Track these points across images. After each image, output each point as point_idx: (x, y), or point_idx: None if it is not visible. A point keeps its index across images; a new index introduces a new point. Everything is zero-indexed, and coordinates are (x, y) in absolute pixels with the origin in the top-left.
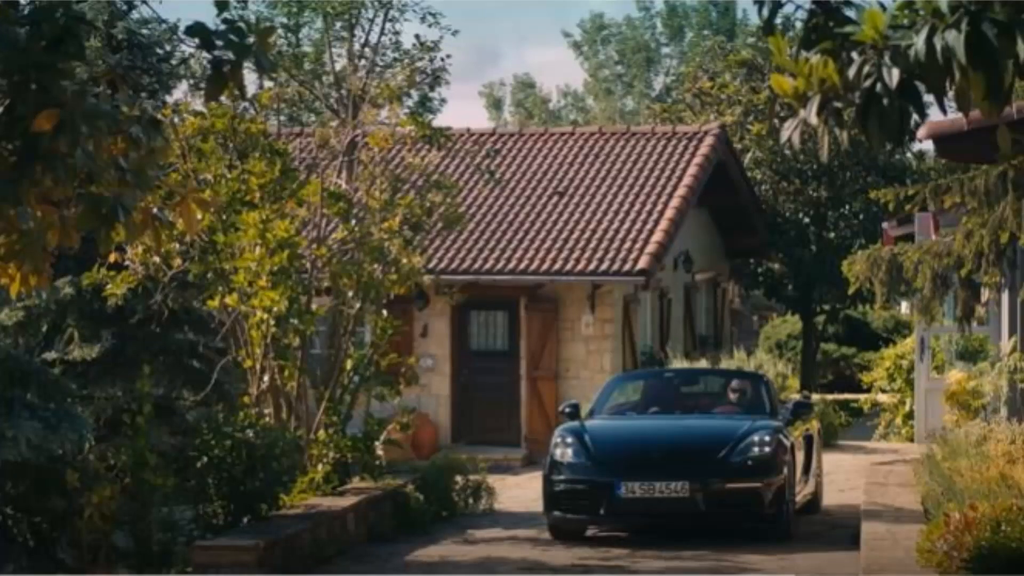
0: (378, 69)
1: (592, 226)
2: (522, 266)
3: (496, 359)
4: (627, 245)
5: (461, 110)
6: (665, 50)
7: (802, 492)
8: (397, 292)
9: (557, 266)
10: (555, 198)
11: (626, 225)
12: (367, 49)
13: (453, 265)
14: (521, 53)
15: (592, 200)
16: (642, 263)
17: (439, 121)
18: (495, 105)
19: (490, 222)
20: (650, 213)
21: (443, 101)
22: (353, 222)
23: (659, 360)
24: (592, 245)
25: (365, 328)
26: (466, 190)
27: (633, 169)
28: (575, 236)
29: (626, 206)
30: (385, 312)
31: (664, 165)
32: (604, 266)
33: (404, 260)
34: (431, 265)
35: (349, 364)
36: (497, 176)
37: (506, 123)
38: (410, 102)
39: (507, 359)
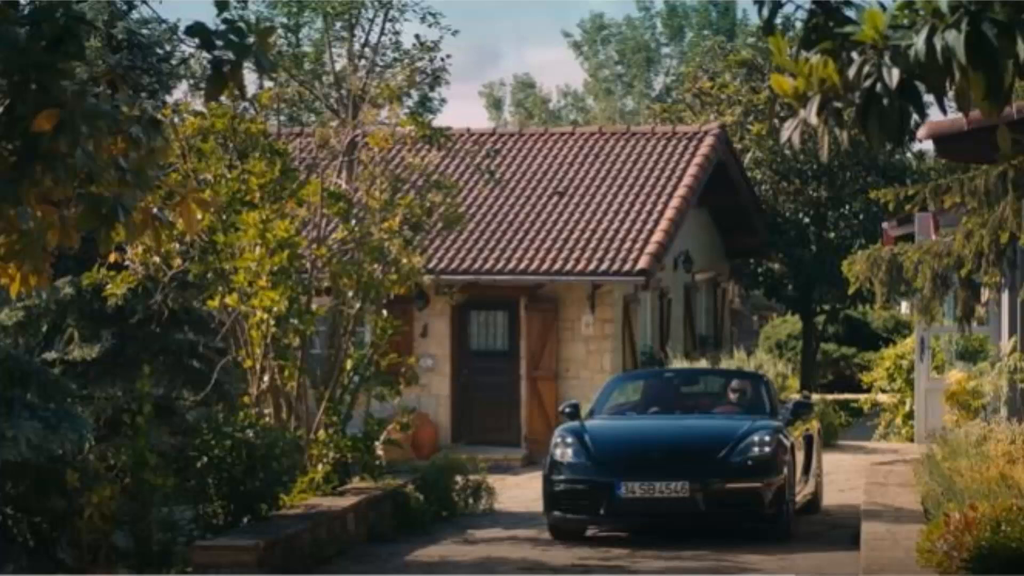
0: (378, 69)
1: (592, 226)
2: (522, 266)
3: (496, 359)
4: (627, 245)
5: (461, 110)
6: (665, 50)
7: (802, 492)
8: (397, 292)
9: (557, 266)
10: (555, 198)
11: (626, 225)
12: (367, 49)
13: (453, 265)
14: (521, 53)
15: (592, 200)
16: (642, 263)
17: (439, 121)
18: (495, 105)
19: (490, 222)
20: (650, 213)
21: (443, 101)
22: (353, 222)
23: (659, 360)
24: (592, 245)
25: (365, 328)
26: (466, 190)
27: (633, 169)
28: (575, 236)
29: (626, 206)
30: (385, 312)
31: (664, 165)
32: (604, 266)
33: (404, 260)
34: (431, 265)
35: (349, 364)
36: (497, 176)
37: (506, 123)
38: (410, 102)
39: (507, 359)
